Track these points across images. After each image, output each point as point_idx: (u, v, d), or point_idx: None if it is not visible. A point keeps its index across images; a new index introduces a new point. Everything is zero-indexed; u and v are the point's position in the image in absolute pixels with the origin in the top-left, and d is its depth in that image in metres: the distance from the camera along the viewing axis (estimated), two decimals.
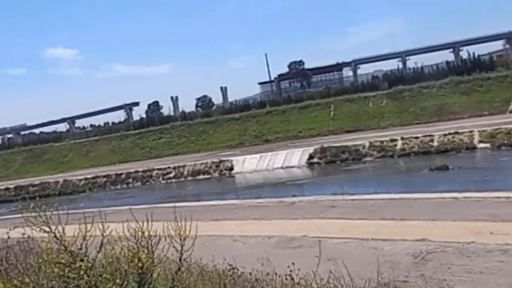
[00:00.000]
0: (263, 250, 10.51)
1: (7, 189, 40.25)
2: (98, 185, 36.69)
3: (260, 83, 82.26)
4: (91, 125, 68.57)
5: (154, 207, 19.54)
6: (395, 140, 30.45)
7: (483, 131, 28.19)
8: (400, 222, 11.37)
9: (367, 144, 31.00)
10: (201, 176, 33.22)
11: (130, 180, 35.89)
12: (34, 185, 39.48)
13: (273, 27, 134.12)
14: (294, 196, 16.70)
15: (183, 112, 57.22)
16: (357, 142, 31.76)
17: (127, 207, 20.92)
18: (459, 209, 11.68)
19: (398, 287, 7.46)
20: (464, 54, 58.89)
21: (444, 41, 73.38)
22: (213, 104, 76.91)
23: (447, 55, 67.96)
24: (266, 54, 78.12)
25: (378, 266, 7.54)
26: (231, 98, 74.33)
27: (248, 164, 32.53)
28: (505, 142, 26.32)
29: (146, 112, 72.51)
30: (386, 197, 14.45)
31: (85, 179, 37.88)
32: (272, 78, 77.49)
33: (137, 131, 53.14)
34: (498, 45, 72.45)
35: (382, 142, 30.88)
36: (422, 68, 49.68)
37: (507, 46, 75.27)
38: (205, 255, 8.71)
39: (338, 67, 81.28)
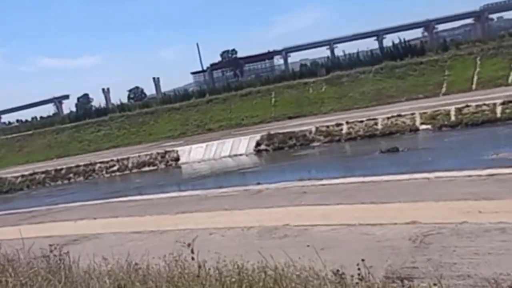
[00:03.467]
0: (247, 242, 9.80)
1: None
2: (37, 182, 34.38)
3: (193, 73, 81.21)
4: (17, 120, 64.54)
5: (108, 202, 18.22)
6: (341, 124, 30.73)
7: (424, 113, 29.14)
8: (381, 205, 11.12)
9: (313, 129, 31.06)
10: (146, 168, 31.83)
11: (71, 175, 33.85)
12: None
13: (203, 16, 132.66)
14: (259, 183, 16.06)
15: (121, 103, 54.96)
16: (303, 128, 31.75)
17: (79, 203, 19.40)
18: (436, 189, 11.65)
19: (410, 274, 7.09)
20: (386, 42, 61.61)
21: (367, 30, 76.99)
22: (145, 95, 75.00)
23: (372, 43, 71.00)
24: (197, 44, 77.31)
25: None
26: (163, 88, 72.75)
27: (195, 153, 31.50)
28: (446, 123, 27.39)
29: (76, 105, 69.18)
30: (356, 180, 14.25)
31: (22, 176, 35.30)
32: (205, 68, 76.67)
33: (73, 124, 50.42)
34: (417, 32, 77.05)
35: (328, 127, 31.06)
36: (358, 53, 50.78)
37: (426, 33, 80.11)
38: (184, 251, 7.86)
39: (269, 55, 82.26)
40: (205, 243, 10.05)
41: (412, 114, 29.44)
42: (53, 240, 11.90)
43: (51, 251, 7.30)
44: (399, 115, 29.65)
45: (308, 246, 9.12)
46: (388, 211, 10.46)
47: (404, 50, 47.15)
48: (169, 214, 13.12)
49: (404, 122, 29.08)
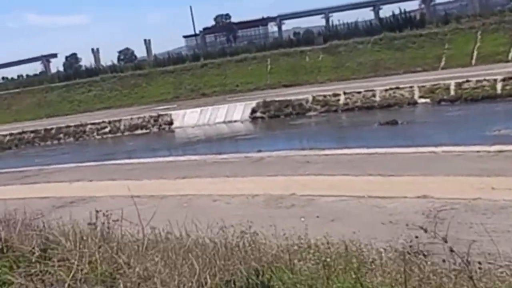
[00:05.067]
0: (253, 210, 9.52)
1: None
2: (26, 141, 33.71)
3: (185, 36, 79.47)
4: (3, 78, 62.77)
5: (102, 164, 17.76)
6: (338, 94, 30.32)
7: (422, 86, 28.80)
8: (390, 178, 10.87)
9: (310, 99, 30.63)
10: (139, 131, 31.26)
11: (61, 135, 33.18)
12: None
13: None
14: (260, 151, 15.70)
15: (112, 64, 53.54)
16: (299, 97, 31.28)
17: (72, 165, 18.91)
18: (445, 164, 11.41)
19: (428, 250, 6.86)
20: (382, 12, 60.52)
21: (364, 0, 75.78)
22: (136, 57, 73.46)
23: (368, 13, 69.78)
24: (191, 7, 74.85)
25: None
26: (154, 51, 71.21)
27: (189, 118, 30.96)
28: (445, 97, 27.10)
29: (64, 64, 67.50)
30: (360, 151, 13.97)
31: (10, 134, 34.59)
32: (197, 32, 74.98)
33: (63, 83, 48.94)
34: (414, 4, 76.03)
35: (325, 96, 30.65)
36: (356, 23, 49.82)
37: (423, 5, 78.89)
38: (190, 219, 7.53)
39: (264, 22, 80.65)
40: (210, 211, 9.76)
41: (411, 87, 29.08)
42: (50, 202, 11.56)
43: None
44: (398, 88, 29.28)
45: (317, 217, 8.89)
46: (397, 184, 10.23)
47: (403, 22, 46.28)
48: (168, 179, 12.76)
49: (402, 95, 28.75)
